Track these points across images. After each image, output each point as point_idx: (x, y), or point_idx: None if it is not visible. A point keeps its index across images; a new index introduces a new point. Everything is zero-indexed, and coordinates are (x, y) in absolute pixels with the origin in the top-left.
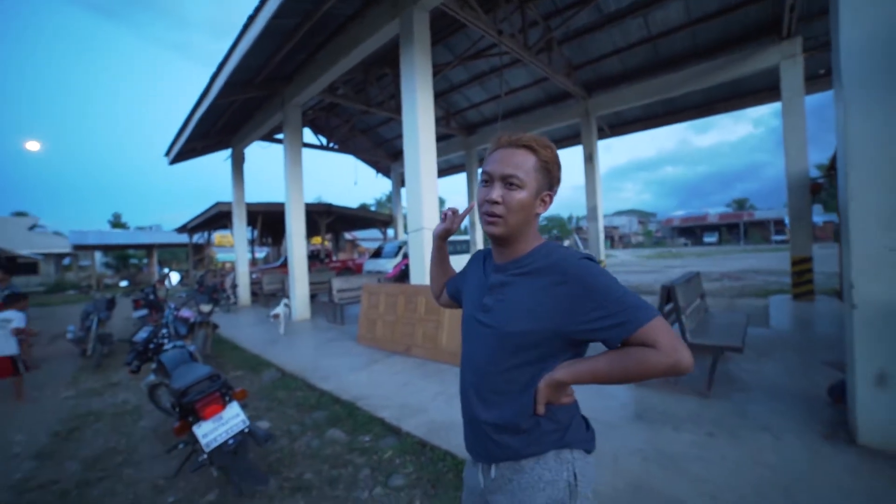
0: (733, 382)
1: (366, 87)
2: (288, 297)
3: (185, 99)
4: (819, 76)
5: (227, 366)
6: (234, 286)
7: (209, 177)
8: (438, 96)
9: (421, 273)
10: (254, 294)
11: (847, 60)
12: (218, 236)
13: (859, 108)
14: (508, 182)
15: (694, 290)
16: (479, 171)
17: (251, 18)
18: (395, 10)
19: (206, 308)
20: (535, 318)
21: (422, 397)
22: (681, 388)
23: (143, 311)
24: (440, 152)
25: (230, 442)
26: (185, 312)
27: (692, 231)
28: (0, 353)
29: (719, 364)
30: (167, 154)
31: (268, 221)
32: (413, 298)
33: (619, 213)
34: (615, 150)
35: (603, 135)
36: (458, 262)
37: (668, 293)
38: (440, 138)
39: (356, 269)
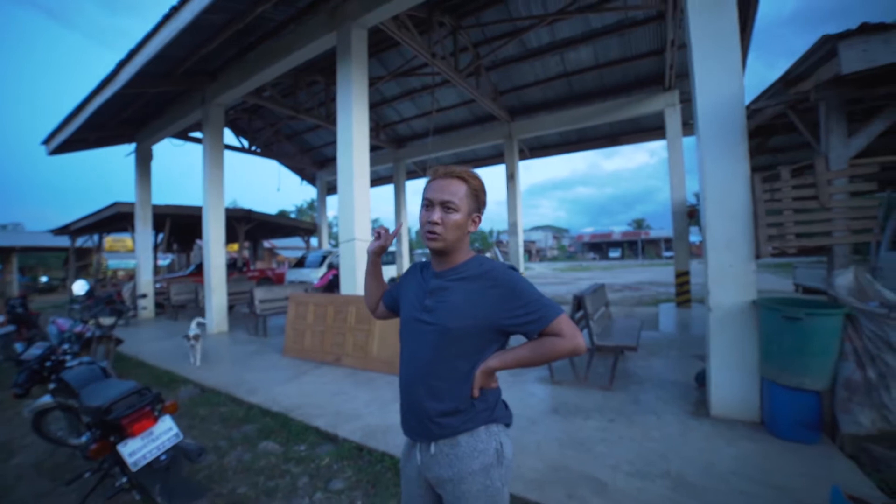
0: (630, 377)
1: (295, 91)
2: (203, 313)
3: (60, 72)
4: (690, 123)
5: None
6: (142, 296)
7: (92, 172)
8: (371, 108)
9: (352, 283)
10: (159, 305)
11: (702, 120)
12: (109, 240)
13: (710, 157)
14: (446, 206)
15: (600, 300)
16: (422, 196)
17: (176, 8)
18: (333, 23)
19: (107, 321)
20: (472, 315)
21: (355, 405)
22: (589, 384)
23: (10, 328)
24: (369, 164)
25: (162, 458)
26: (78, 326)
27: (600, 246)
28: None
29: (619, 362)
30: (47, 142)
31: (176, 225)
32: (343, 308)
33: (536, 229)
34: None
35: (524, 156)
36: (386, 273)
37: (578, 302)
38: (370, 149)
39: (276, 279)
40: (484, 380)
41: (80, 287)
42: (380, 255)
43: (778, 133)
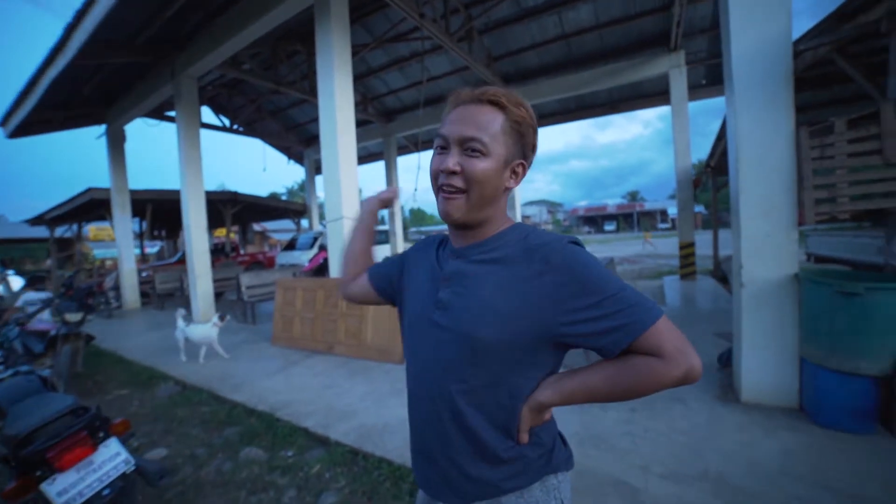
0: None
1: (275, 64)
2: (188, 302)
3: (34, 56)
4: (700, 86)
5: (109, 384)
6: (114, 288)
7: (78, 158)
8: (356, 80)
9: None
10: (144, 295)
11: (738, 68)
12: (93, 229)
13: (747, 109)
14: (469, 147)
15: None
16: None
17: None
18: None
19: (73, 317)
20: (510, 321)
21: (349, 399)
22: None
23: None
24: (357, 139)
25: (105, 493)
26: (42, 323)
27: (594, 220)
28: (39, 326)
29: None
30: (3, 124)
31: (160, 212)
32: (333, 293)
33: (531, 203)
34: None
35: None
36: (379, 253)
37: None
38: (357, 124)
39: (267, 263)
40: (534, 419)
41: (16, 283)
42: (379, 209)
43: (802, 90)
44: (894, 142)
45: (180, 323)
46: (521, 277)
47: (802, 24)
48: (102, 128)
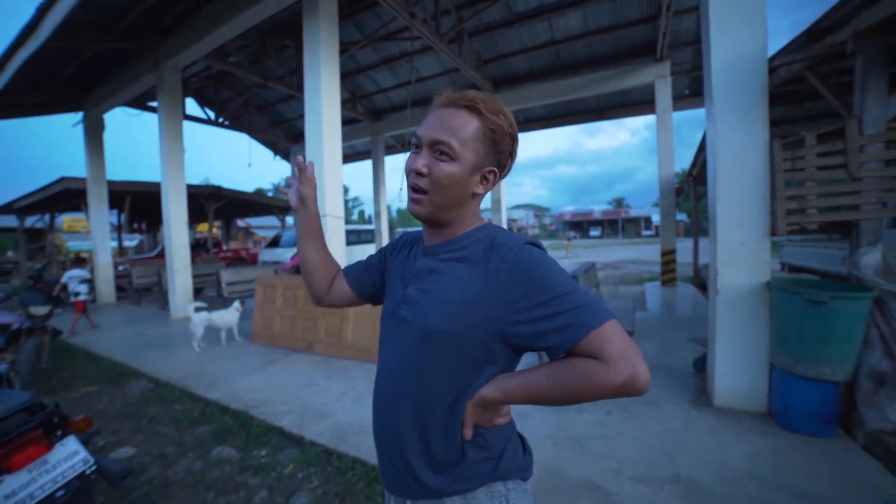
0: None
1: (263, 58)
2: (166, 297)
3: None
4: (684, 97)
5: (77, 381)
6: (87, 280)
7: (48, 146)
8: (345, 77)
9: None
10: (121, 289)
11: (716, 78)
12: (68, 220)
13: (724, 121)
14: (438, 150)
15: (591, 280)
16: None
17: None
18: None
19: (39, 310)
20: (465, 314)
21: (326, 398)
22: None
23: None
24: (345, 137)
25: (59, 494)
26: (3, 316)
27: (580, 225)
28: (79, 297)
29: None
30: None
31: (140, 204)
32: None
33: (518, 207)
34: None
35: None
36: (362, 253)
37: None
38: (345, 122)
39: (250, 260)
40: (478, 415)
41: None
42: (308, 204)
43: (777, 104)
44: (858, 157)
45: (198, 315)
46: (479, 274)
47: (781, 42)
48: (80, 115)
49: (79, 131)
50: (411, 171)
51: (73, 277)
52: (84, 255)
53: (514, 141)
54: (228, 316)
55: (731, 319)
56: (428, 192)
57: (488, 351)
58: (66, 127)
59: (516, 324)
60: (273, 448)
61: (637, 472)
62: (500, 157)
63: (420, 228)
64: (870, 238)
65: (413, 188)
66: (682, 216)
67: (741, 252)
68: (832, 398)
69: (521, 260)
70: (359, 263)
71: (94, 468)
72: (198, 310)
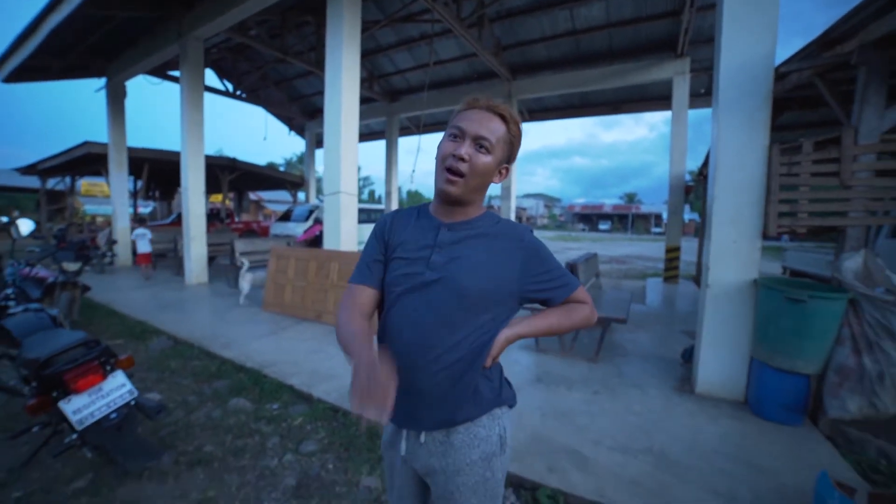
0: (616, 349)
1: (283, 32)
2: (181, 263)
3: None
4: (700, 94)
5: (103, 334)
6: (113, 242)
7: (72, 109)
8: (364, 56)
9: (335, 238)
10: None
11: (724, 80)
12: (86, 184)
13: (727, 123)
14: (479, 143)
15: (591, 269)
16: (449, 124)
17: None
18: None
19: (71, 266)
20: (495, 277)
21: (333, 363)
22: (574, 354)
23: None
24: (361, 116)
25: (113, 416)
26: (41, 271)
27: (590, 218)
28: (144, 250)
29: (606, 334)
30: None
31: (156, 172)
32: (325, 264)
33: (529, 196)
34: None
35: (523, 118)
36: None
37: (571, 269)
38: (362, 101)
39: (261, 232)
40: (503, 347)
41: (25, 226)
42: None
43: (791, 109)
44: (850, 166)
45: (250, 273)
46: (502, 248)
47: (797, 45)
48: (102, 81)
49: (101, 97)
50: (451, 156)
51: (140, 235)
52: (142, 216)
53: (521, 145)
54: (263, 275)
55: (718, 313)
56: (465, 175)
57: (505, 306)
58: (88, 91)
59: (530, 283)
60: (284, 403)
61: (614, 443)
62: (511, 157)
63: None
64: (854, 244)
65: (452, 170)
66: (693, 215)
67: (733, 250)
68: (803, 389)
69: (534, 243)
70: (362, 266)
71: (135, 400)
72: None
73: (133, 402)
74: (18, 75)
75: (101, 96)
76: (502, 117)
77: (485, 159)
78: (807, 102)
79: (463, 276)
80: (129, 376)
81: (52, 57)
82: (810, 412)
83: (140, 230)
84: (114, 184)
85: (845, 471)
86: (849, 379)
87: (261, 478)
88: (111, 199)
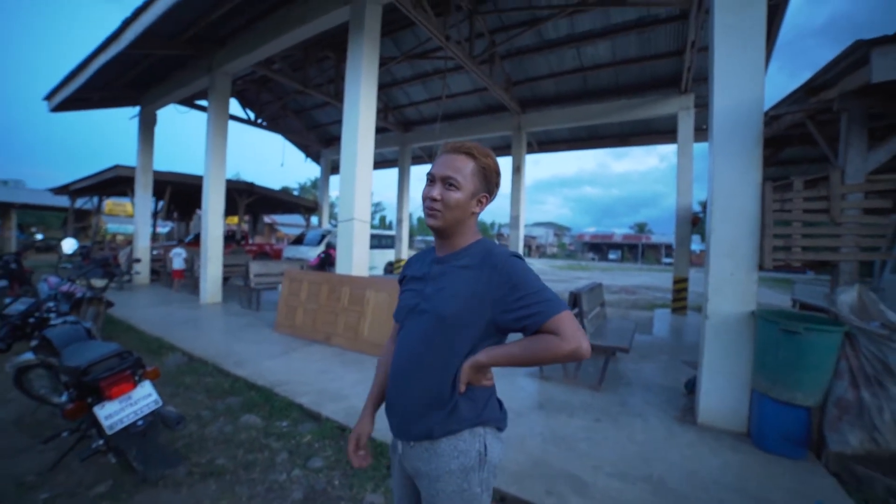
0: (619, 378)
1: (304, 66)
2: (197, 283)
3: (66, 27)
4: (705, 129)
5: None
6: (135, 260)
7: (100, 134)
8: (380, 89)
9: (348, 263)
10: (154, 273)
11: (717, 121)
12: (109, 203)
13: (722, 161)
14: (448, 183)
15: (596, 299)
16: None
17: None
18: None
19: (98, 283)
20: (466, 303)
21: (341, 384)
22: (578, 382)
23: (2, 283)
24: (375, 145)
25: (139, 423)
26: (69, 286)
27: (600, 247)
28: (179, 267)
29: (610, 363)
30: (49, 98)
31: (177, 194)
32: (337, 288)
33: (538, 224)
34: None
35: (531, 149)
36: (383, 257)
37: (574, 299)
38: (376, 131)
39: (274, 255)
40: (471, 375)
41: (69, 245)
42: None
43: (792, 144)
44: (839, 203)
45: None
46: (477, 277)
47: (804, 78)
48: (136, 109)
49: (132, 123)
50: (427, 198)
51: (176, 254)
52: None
53: (499, 175)
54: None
55: (718, 344)
56: (441, 211)
57: (481, 330)
58: (119, 118)
59: (503, 312)
60: (293, 421)
61: (614, 470)
62: (489, 186)
63: (430, 238)
64: (847, 278)
65: (429, 209)
66: (703, 246)
67: (731, 281)
68: (803, 422)
69: (507, 268)
70: (399, 306)
71: (160, 409)
72: None
73: (158, 411)
74: (64, 105)
75: (132, 122)
76: (468, 154)
77: (454, 195)
78: (807, 139)
79: (442, 306)
80: (155, 387)
81: (93, 90)
82: (813, 446)
83: (177, 249)
84: (138, 205)
85: None
86: (848, 412)
87: (270, 491)
88: (134, 219)
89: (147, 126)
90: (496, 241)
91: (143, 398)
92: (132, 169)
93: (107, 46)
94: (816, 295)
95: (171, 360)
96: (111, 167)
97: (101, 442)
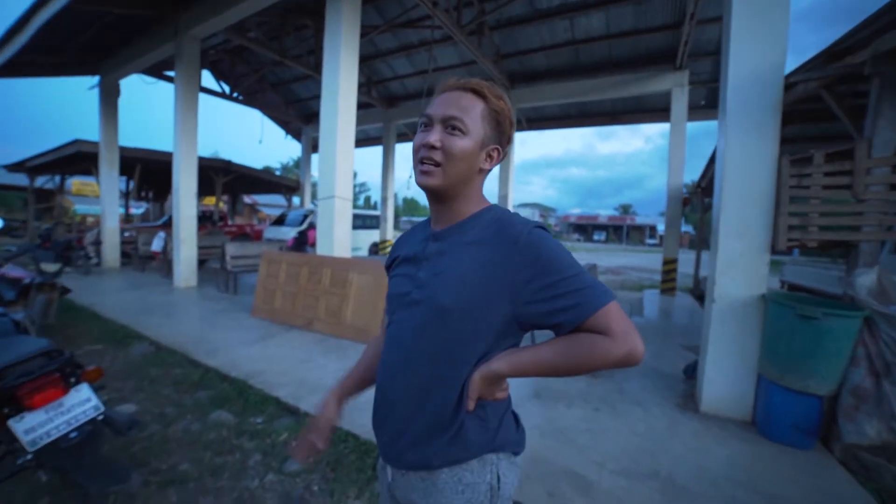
0: None
1: (281, 35)
2: (170, 266)
3: None
4: (699, 107)
5: (82, 339)
6: (98, 243)
7: (62, 107)
8: (362, 61)
9: (329, 243)
10: (125, 255)
11: (732, 90)
12: (77, 183)
13: (735, 133)
14: (451, 126)
15: None
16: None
17: None
18: None
19: (50, 267)
20: (475, 293)
21: (322, 374)
22: None
23: None
24: (358, 122)
25: (73, 435)
26: (16, 271)
27: (585, 228)
28: (158, 248)
29: None
30: None
31: (149, 172)
32: (318, 270)
33: (524, 205)
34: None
35: (521, 127)
36: (368, 237)
37: None
38: (359, 107)
39: (255, 236)
40: (484, 388)
41: None
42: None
43: (794, 122)
44: (864, 179)
45: None
46: (492, 256)
47: (802, 60)
48: (96, 79)
49: (93, 95)
50: (422, 146)
51: (160, 236)
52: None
53: (512, 125)
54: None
55: (725, 328)
56: (441, 164)
57: (497, 328)
58: (80, 89)
59: (528, 303)
60: (269, 416)
61: (618, 466)
62: (501, 137)
63: (417, 219)
64: (867, 259)
65: (424, 161)
66: (687, 227)
67: (740, 263)
68: (815, 411)
69: (532, 243)
70: (388, 294)
71: (103, 416)
72: None
73: (101, 418)
74: (7, 70)
75: (94, 94)
76: (477, 93)
77: (460, 142)
78: (809, 116)
79: (443, 295)
80: (98, 389)
81: (43, 54)
82: (822, 435)
83: (162, 233)
84: (104, 183)
85: (864, 500)
86: (865, 402)
87: (239, 501)
88: (101, 198)
89: (109, 97)
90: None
91: (78, 405)
92: (95, 144)
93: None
94: (805, 276)
95: (136, 350)
96: (70, 142)
97: (28, 457)
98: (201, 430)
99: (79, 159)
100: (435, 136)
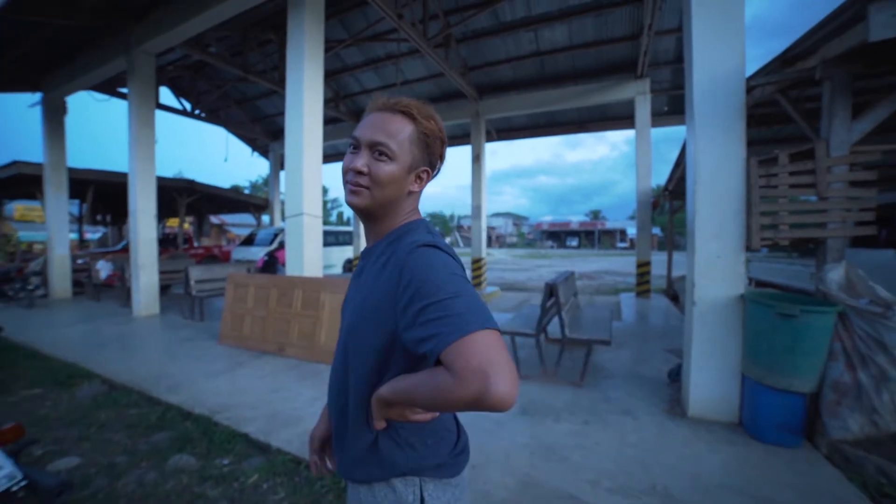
0: (599, 371)
1: (245, 50)
2: (129, 293)
3: None
4: (663, 113)
5: (16, 383)
6: (37, 273)
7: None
8: (329, 76)
9: (298, 262)
10: (78, 284)
11: (698, 95)
12: (21, 208)
13: (704, 137)
14: (378, 151)
15: (570, 289)
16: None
17: None
18: None
19: None
20: (369, 315)
21: (296, 404)
22: (558, 379)
23: None
24: (327, 137)
25: None
26: None
27: (558, 235)
28: (105, 276)
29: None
30: None
31: (105, 195)
32: (288, 292)
33: (497, 215)
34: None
35: (490, 137)
36: (342, 254)
37: (551, 290)
38: (328, 122)
39: (223, 257)
40: (382, 409)
41: None
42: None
43: (750, 125)
44: (825, 177)
45: None
46: (388, 276)
47: (752, 70)
48: (38, 96)
49: (36, 113)
50: (350, 170)
51: (102, 266)
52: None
53: (444, 144)
54: None
55: (706, 331)
56: (368, 188)
57: (391, 350)
58: (21, 106)
59: (404, 328)
60: (237, 456)
61: (614, 484)
62: (431, 158)
63: None
64: (834, 255)
65: (351, 184)
66: (655, 230)
67: (717, 264)
68: (799, 409)
69: (409, 263)
70: None
71: (22, 484)
72: None
73: (15, 489)
74: None
75: (37, 112)
76: (406, 114)
77: (387, 168)
78: (763, 120)
79: (349, 314)
80: (15, 453)
81: None
82: (808, 432)
83: (101, 262)
84: (50, 207)
85: (854, 496)
86: (846, 396)
87: None
88: (47, 224)
89: (54, 115)
90: (429, 227)
91: None
92: (38, 166)
93: None
94: (770, 272)
95: (84, 390)
96: (8, 164)
97: None
98: (157, 480)
99: (20, 182)
100: (361, 162)
